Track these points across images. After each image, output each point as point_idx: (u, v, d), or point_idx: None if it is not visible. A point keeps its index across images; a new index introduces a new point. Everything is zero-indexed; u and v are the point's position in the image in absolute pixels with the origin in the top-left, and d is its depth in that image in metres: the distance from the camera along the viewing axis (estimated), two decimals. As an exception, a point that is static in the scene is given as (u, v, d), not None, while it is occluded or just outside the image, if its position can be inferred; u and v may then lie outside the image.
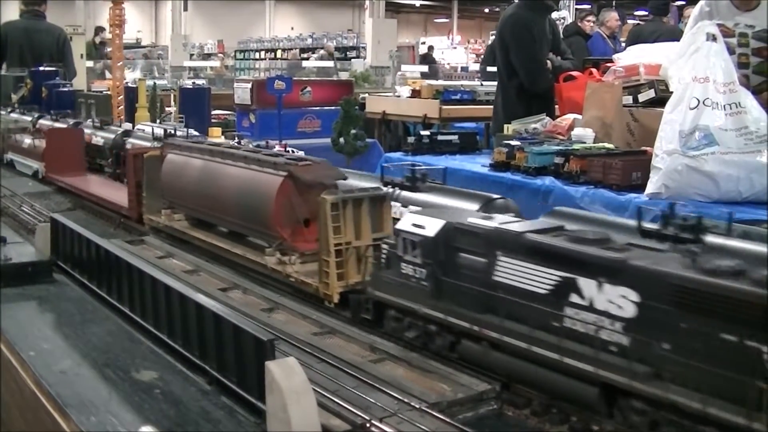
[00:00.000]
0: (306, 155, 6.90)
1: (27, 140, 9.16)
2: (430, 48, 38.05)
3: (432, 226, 3.62)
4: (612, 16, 15.31)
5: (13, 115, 10.75)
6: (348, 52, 37.59)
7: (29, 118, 10.18)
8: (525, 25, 9.60)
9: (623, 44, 14.05)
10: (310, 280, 4.33)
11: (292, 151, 6.66)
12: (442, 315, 3.47)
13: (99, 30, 20.11)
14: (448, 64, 35.18)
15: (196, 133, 7.77)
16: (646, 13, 15.88)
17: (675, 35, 10.78)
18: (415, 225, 3.69)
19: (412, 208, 4.63)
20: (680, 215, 3.11)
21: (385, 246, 3.90)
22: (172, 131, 7.07)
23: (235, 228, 5.33)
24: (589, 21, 14.90)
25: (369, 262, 4.12)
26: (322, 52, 34.04)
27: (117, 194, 6.94)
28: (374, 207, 4.39)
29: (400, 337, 3.70)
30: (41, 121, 9.93)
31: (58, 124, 9.47)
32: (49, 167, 8.33)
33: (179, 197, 5.82)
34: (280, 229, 4.69)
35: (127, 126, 9.29)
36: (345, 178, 4.96)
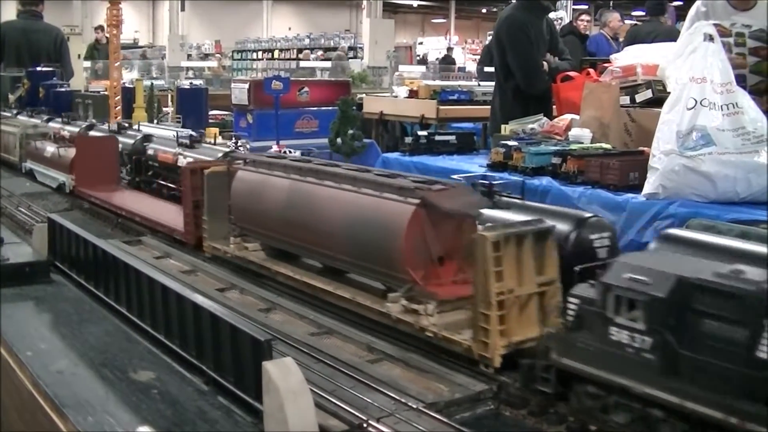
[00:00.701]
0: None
1: (50, 148, 8.22)
2: (449, 50, 38.25)
3: (661, 282, 2.83)
4: (614, 17, 15.33)
5: (31, 119, 10.19)
6: (330, 52, 37.60)
7: (55, 125, 9.53)
8: (521, 27, 9.60)
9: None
10: (458, 336, 3.48)
11: (290, 152, 6.65)
12: (677, 398, 2.75)
13: (100, 29, 20.01)
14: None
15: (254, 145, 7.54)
16: (644, 13, 15.89)
17: (672, 35, 10.80)
18: (634, 278, 2.89)
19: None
20: None
21: (575, 300, 3.07)
22: (197, 137, 6.80)
23: (339, 265, 4.35)
24: (582, 20, 14.91)
25: (552, 316, 3.33)
26: (339, 53, 34.03)
27: (164, 213, 6.25)
28: (538, 245, 3.56)
29: (596, 417, 2.93)
30: (66, 127, 9.33)
31: (90, 132, 8.72)
32: (79, 180, 7.44)
33: (256, 223, 4.89)
34: (411, 271, 3.75)
35: (148, 130, 8.74)
36: (490, 206, 4.11)
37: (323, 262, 4.55)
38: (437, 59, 36.10)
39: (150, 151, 7.41)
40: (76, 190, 7.38)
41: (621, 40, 14.87)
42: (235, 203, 5.03)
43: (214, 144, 7.17)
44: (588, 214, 4.16)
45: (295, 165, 4.65)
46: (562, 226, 3.88)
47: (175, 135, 7.14)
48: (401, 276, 3.82)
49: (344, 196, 4.17)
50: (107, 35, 19.14)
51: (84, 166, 7.41)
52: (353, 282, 4.29)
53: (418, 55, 41.40)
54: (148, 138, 7.73)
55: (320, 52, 38.92)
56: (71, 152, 7.64)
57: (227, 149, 6.50)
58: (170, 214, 6.05)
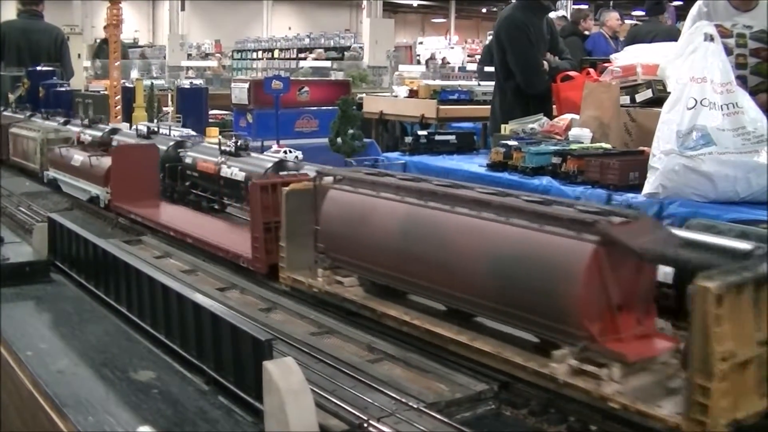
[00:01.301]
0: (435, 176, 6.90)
1: (78, 156, 7.25)
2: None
3: None
4: (612, 16, 15.36)
5: (48, 122, 9.37)
6: (345, 52, 37.60)
7: (75, 129, 8.65)
8: (521, 27, 9.60)
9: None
10: (659, 411, 2.71)
11: (290, 151, 6.65)
12: None
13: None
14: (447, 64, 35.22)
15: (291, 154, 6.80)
16: (644, 13, 15.92)
17: (672, 35, 10.81)
18: None
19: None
20: None
21: None
22: (244, 144, 6.25)
23: (475, 310, 3.48)
24: (589, 22, 14.96)
25: None
26: (352, 52, 34.15)
27: (222, 234, 5.49)
28: (756, 293, 2.70)
29: None
30: (86, 131, 8.53)
31: (128, 139, 7.78)
32: (116, 194, 6.54)
33: (356, 253, 3.96)
34: (588, 324, 2.94)
35: (182, 135, 8.07)
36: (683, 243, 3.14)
37: (450, 305, 3.63)
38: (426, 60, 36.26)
39: (188, 160, 6.68)
40: (112, 204, 6.55)
41: (621, 39, 14.90)
42: (326, 229, 4.14)
43: (261, 153, 6.73)
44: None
45: (412, 186, 3.78)
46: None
47: (218, 142, 6.55)
48: (571, 330, 3.01)
49: (487, 227, 3.35)
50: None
51: (121, 178, 6.52)
52: (483, 329, 3.47)
53: (418, 55, 41.41)
54: (181, 144, 7.07)
55: (319, 52, 38.91)
56: (105, 162, 6.76)
57: (276, 159, 5.93)
58: (229, 236, 5.39)
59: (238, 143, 6.17)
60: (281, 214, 4.40)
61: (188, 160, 6.70)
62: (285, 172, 5.37)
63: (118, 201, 6.49)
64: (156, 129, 7.94)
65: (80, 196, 7.12)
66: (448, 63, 35.55)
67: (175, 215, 6.19)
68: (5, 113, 10.71)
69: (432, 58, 36.68)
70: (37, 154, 8.23)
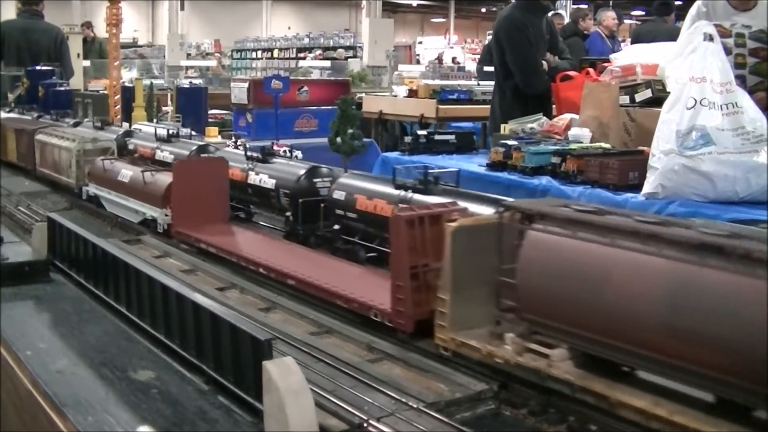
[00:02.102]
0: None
1: (127, 171, 6.37)
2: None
3: None
4: (608, 15, 15.37)
5: (86, 130, 8.44)
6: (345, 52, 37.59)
7: (112, 136, 7.90)
8: (520, 27, 9.60)
9: (622, 44, 14.09)
10: None
11: (289, 151, 6.64)
12: None
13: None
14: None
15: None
16: (643, 12, 15.93)
17: (674, 35, 10.82)
18: None
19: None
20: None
21: None
22: (295, 156, 6.01)
23: None
24: (590, 20, 14.97)
25: None
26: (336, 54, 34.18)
27: (338, 276, 4.44)
28: None
29: None
30: (133, 140, 8.01)
31: (179, 150, 7.17)
32: (179, 217, 5.60)
33: (579, 321, 2.92)
34: None
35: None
36: None
37: (724, 394, 2.62)
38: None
39: (338, 196, 5.21)
40: (174, 230, 5.60)
41: (620, 38, 14.91)
42: (525, 283, 3.13)
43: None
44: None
45: (674, 236, 2.71)
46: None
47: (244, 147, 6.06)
48: None
49: None
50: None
51: (185, 198, 5.55)
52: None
53: (418, 54, 41.37)
54: (204, 149, 6.66)
55: (318, 52, 38.91)
56: (164, 178, 5.85)
57: (309, 166, 5.62)
58: (347, 278, 4.43)
59: (264, 148, 6.09)
60: (444, 257, 3.48)
61: (339, 197, 5.48)
62: (416, 196, 4.61)
63: (181, 226, 5.55)
64: (176, 132, 7.82)
65: (129, 217, 6.25)
66: (458, 63, 35.41)
67: (269, 249, 5.17)
68: (27, 116, 10.19)
69: (439, 59, 36.54)
70: (72, 167, 7.19)
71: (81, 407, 3.13)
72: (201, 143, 7.40)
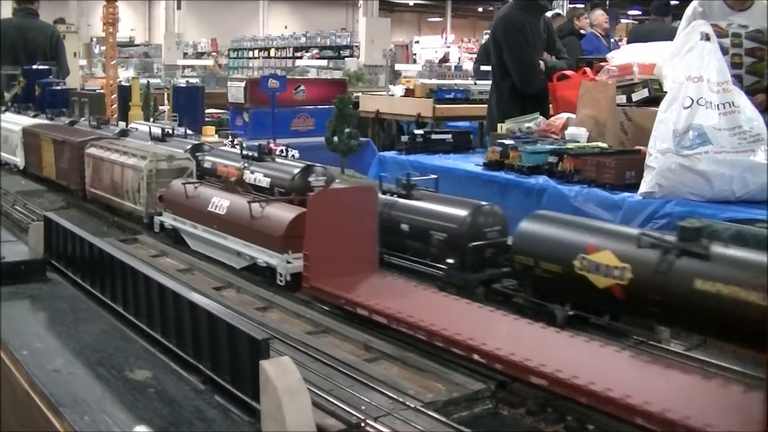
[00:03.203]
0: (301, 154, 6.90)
1: (220, 199, 5.06)
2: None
3: None
4: (597, 14, 15.42)
5: (159, 146, 6.89)
6: (341, 51, 37.62)
7: (181, 152, 6.34)
8: (518, 27, 9.61)
9: (619, 43, 14.11)
10: None
11: (287, 150, 6.64)
12: None
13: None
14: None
15: None
16: (640, 12, 15.98)
17: (673, 35, 10.84)
18: None
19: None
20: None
21: None
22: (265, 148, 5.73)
23: None
24: (585, 20, 15.01)
25: None
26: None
27: (591, 361, 3.07)
28: None
29: None
30: (218, 160, 6.29)
31: (279, 173, 5.58)
32: (315, 266, 4.08)
33: None
34: None
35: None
36: None
37: None
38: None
39: (207, 165, 5.56)
40: (310, 284, 4.09)
41: (617, 38, 14.94)
42: None
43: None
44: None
45: None
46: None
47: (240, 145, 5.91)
48: None
49: None
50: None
51: (323, 241, 4.09)
52: None
53: (414, 54, 41.36)
54: (310, 170, 5.50)
55: (315, 51, 38.92)
56: (281, 213, 4.57)
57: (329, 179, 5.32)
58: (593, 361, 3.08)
59: (261, 146, 5.92)
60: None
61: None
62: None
63: (318, 277, 4.09)
64: (171, 131, 7.67)
65: (230, 261, 4.90)
66: (449, 61, 35.34)
67: (435, 307, 3.77)
68: (78, 127, 8.71)
69: (445, 58, 36.45)
70: (141, 191, 5.81)
71: (77, 407, 3.12)
72: (196, 142, 7.21)
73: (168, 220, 5.53)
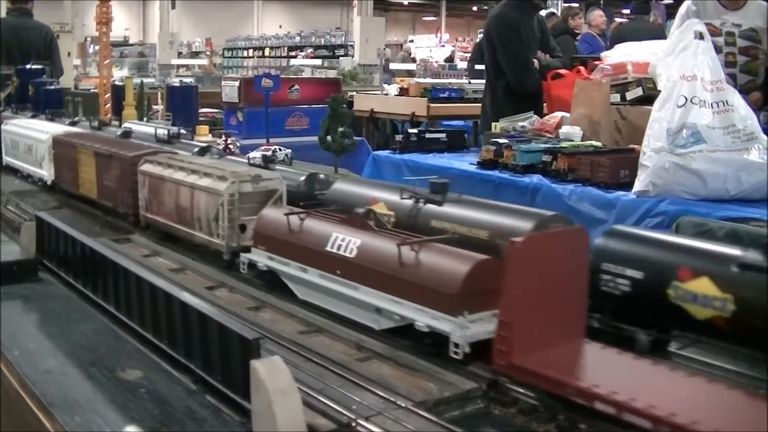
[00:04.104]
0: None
1: (344, 235, 3.93)
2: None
3: None
4: (596, 15, 15.44)
5: (238, 163, 5.92)
6: (336, 50, 37.60)
7: (274, 173, 5.07)
8: (511, 25, 9.60)
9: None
10: None
11: (279, 150, 6.63)
12: None
13: None
14: (436, 62, 35.08)
15: None
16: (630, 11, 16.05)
17: (656, 33, 10.87)
18: None
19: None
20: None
21: None
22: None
23: None
24: (580, 19, 15.03)
25: None
26: (402, 54, 34.09)
27: None
28: None
29: None
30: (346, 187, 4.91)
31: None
32: (519, 338, 3.04)
33: None
34: None
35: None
36: None
37: None
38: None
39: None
40: (514, 361, 3.04)
41: (608, 36, 14.99)
42: None
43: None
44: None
45: None
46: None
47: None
48: None
49: None
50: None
51: (528, 305, 3.11)
52: None
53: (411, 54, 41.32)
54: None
55: (310, 50, 38.90)
56: (457, 261, 3.47)
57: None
58: None
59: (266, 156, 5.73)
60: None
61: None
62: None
63: (523, 353, 3.05)
64: (177, 133, 7.38)
65: (363, 319, 3.76)
66: (430, 60, 35.30)
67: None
68: (134, 141, 7.44)
69: (451, 57, 36.34)
70: (221, 220, 4.72)
71: (69, 407, 3.11)
72: (203, 144, 7.04)
73: (261, 259, 4.41)
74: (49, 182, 7.42)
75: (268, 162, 5.78)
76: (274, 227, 4.36)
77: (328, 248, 3.92)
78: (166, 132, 7.36)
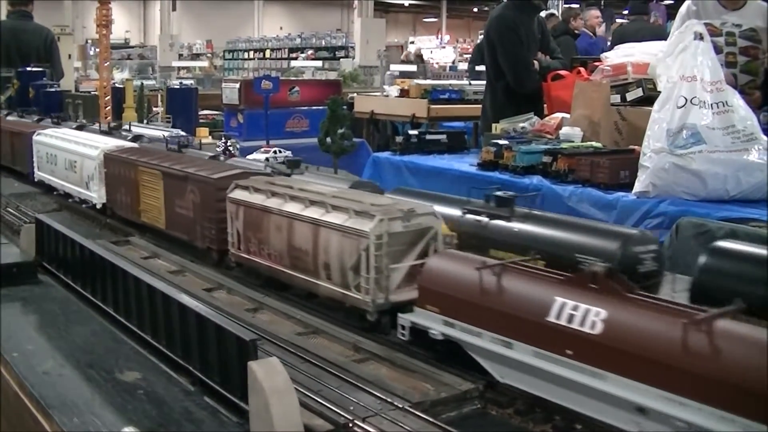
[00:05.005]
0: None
1: (581, 306, 2.83)
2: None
3: None
4: (591, 14, 15.47)
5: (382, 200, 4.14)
6: (337, 52, 37.62)
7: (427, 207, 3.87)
8: (512, 26, 9.61)
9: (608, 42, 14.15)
10: None
11: (279, 151, 6.63)
12: None
13: None
14: (437, 63, 35.12)
15: None
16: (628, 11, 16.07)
17: (657, 34, 10.88)
18: None
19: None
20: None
21: None
22: None
23: None
24: (581, 20, 15.05)
25: None
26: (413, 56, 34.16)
27: None
28: None
29: None
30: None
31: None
32: None
33: None
34: None
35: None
36: None
37: None
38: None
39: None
40: None
41: (605, 37, 15.02)
42: None
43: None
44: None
45: None
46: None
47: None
48: None
49: None
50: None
51: None
52: None
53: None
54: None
55: (310, 52, 38.92)
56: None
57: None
58: None
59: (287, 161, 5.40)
60: None
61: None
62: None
63: None
64: (187, 142, 6.67)
65: (613, 419, 2.69)
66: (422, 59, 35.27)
67: None
68: (216, 159, 6.02)
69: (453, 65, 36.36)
70: (368, 269, 3.63)
71: (67, 408, 3.11)
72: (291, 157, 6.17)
73: (433, 324, 3.34)
74: (98, 206, 6.42)
75: (293, 167, 5.35)
76: (452, 282, 3.34)
77: (550, 318, 2.89)
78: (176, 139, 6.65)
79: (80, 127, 8.57)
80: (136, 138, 6.82)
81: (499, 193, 3.97)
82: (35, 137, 7.66)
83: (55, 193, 7.25)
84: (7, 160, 8.71)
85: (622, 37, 12.57)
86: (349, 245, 3.70)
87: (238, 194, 4.55)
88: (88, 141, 6.87)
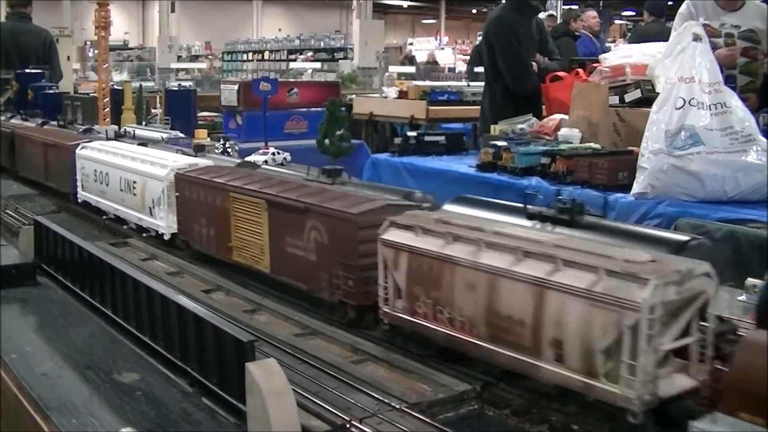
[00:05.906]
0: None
1: None
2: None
3: None
4: (588, 15, 15.48)
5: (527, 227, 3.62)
6: (335, 53, 37.63)
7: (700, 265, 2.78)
8: (510, 28, 9.61)
9: (613, 44, 14.15)
10: None
11: (278, 153, 6.63)
12: None
13: None
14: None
15: None
16: (633, 13, 16.04)
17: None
18: None
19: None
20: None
21: None
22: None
23: None
24: (579, 22, 15.06)
25: None
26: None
27: None
28: None
29: None
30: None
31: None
32: None
33: None
34: None
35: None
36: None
37: None
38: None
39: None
40: None
41: (610, 39, 15.00)
42: None
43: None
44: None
45: None
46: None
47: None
48: None
49: None
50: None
51: None
52: None
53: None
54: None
55: (309, 53, 38.93)
56: None
57: None
58: None
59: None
60: None
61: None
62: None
63: None
64: (226, 148, 6.28)
65: None
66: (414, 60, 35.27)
67: None
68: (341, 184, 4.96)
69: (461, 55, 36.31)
70: (637, 359, 2.58)
71: (65, 410, 3.11)
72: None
73: None
74: (166, 236, 5.47)
75: (334, 176, 4.61)
76: None
77: None
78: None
79: (64, 126, 8.24)
80: (199, 148, 5.93)
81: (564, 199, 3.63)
82: (79, 151, 6.70)
83: (104, 217, 6.37)
84: (37, 174, 7.82)
85: (639, 38, 12.55)
86: (603, 319, 2.65)
87: (397, 236, 3.46)
88: (152, 157, 5.82)
